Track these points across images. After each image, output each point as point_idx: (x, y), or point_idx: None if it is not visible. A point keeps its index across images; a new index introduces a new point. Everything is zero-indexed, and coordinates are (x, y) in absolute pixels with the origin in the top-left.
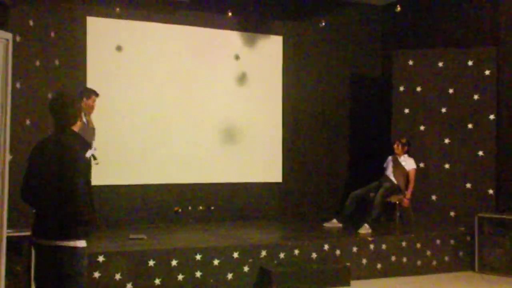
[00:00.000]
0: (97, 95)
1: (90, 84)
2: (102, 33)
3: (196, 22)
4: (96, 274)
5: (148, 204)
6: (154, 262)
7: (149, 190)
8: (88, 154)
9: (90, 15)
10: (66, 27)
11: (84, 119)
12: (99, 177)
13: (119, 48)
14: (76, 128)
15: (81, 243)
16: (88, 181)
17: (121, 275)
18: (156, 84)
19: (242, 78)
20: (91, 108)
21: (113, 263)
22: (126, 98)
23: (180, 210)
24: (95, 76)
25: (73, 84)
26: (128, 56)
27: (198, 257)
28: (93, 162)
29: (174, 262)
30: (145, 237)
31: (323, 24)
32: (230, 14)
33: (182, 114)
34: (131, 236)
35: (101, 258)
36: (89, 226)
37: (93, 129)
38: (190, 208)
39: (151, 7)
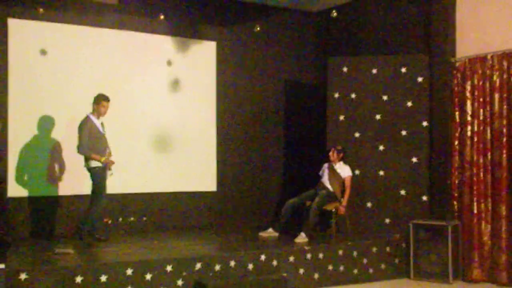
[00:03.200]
0: (107, 100)
1: (12, 89)
2: (25, 36)
3: (125, 25)
4: None
5: (75, 215)
6: (81, 278)
7: (76, 200)
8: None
9: (12, 16)
10: None
11: (101, 129)
12: (21, 188)
13: (43, 52)
14: None
15: None
16: None
17: None
18: (84, 90)
19: (174, 84)
20: (103, 114)
21: (37, 281)
22: (51, 104)
23: (110, 221)
24: (18, 81)
25: None
26: (53, 61)
27: (129, 271)
28: (108, 173)
29: (103, 278)
30: (71, 251)
31: (258, 29)
32: (162, 17)
33: (112, 122)
34: (57, 251)
35: (23, 276)
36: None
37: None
38: (120, 219)
39: (77, 9)
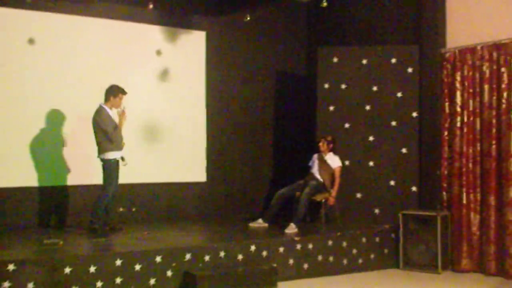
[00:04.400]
0: (125, 93)
1: None
2: (11, 25)
3: (115, 15)
4: (6, 285)
5: (64, 206)
6: (70, 269)
7: (65, 191)
8: (118, 155)
9: None
10: None
11: (116, 120)
12: (10, 178)
13: (31, 41)
14: None
15: None
16: None
17: (34, 285)
18: (72, 80)
19: (164, 75)
20: (117, 106)
21: (25, 272)
22: (39, 94)
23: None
24: (5, 71)
25: None
26: (41, 50)
27: (118, 262)
28: (121, 163)
29: (92, 269)
30: (60, 242)
31: (248, 19)
32: (151, 6)
33: None
34: (45, 242)
35: (11, 267)
36: None
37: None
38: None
39: None
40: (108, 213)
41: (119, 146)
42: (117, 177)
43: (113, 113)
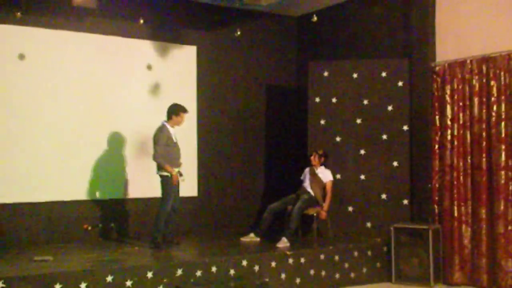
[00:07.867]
0: (186, 111)
1: None
2: (2, 40)
3: (106, 30)
4: None
5: (54, 222)
6: (61, 286)
7: (54, 207)
8: (175, 171)
9: None
10: None
11: (174, 137)
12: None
13: (21, 57)
14: None
15: None
16: None
17: None
18: (63, 96)
19: (155, 89)
20: (180, 124)
21: None
22: (30, 110)
23: (89, 228)
24: None
25: None
26: (32, 65)
27: (109, 278)
28: (180, 178)
29: (83, 285)
30: (50, 258)
31: (238, 33)
32: (141, 21)
33: (92, 127)
34: (35, 258)
35: (0, 284)
36: None
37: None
38: (100, 225)
39: (56, 13)
40: (168, 227)
41: (175, 163)
42: (177, 192)
43: (175, 130)
